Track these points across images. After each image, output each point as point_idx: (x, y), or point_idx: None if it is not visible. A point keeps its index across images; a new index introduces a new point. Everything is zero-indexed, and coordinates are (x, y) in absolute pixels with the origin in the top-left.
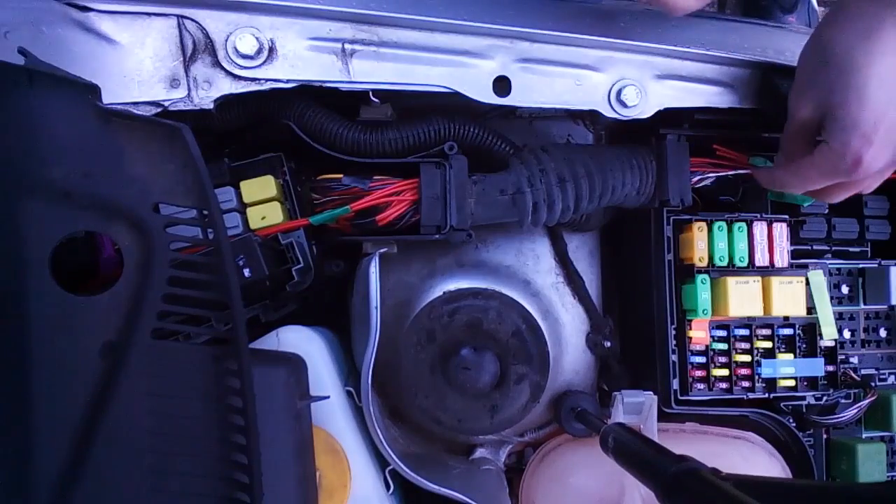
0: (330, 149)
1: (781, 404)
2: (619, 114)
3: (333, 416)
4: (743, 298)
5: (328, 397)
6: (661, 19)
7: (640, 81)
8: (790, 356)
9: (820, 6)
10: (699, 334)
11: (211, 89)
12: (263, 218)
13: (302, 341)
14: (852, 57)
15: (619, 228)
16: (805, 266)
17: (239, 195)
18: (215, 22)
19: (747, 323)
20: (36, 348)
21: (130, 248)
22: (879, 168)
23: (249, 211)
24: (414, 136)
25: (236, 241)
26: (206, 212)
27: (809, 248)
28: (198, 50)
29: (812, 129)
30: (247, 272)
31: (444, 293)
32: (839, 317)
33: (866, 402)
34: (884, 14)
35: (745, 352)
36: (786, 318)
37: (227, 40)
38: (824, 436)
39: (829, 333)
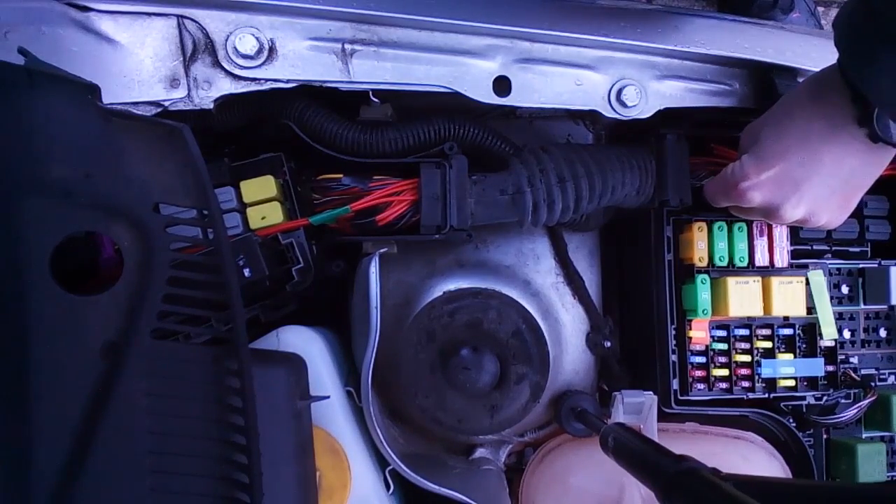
0: (330, 149)
1: (781, 404)
2: (619, 114)
3: (333, 416)
4: (743, 298)
5: (328, 397)
6: (661, 19)
7: (640, 81)
8: (790, 356)
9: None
10: (699, 334)
11: (211, 89)
12: (263, 218)
13: (302, 341)
14: (796, 111)
15: (618, 228)
16: (805, 266)
17: (239, 195)
18: (215, 22)
19: (747, 323)
20: (36, 348)
21: (130, 248)
22: (755, 203)
23: (249, 211)
24: (414, 136)
25: (236, 241)
26: (206, 212)
27: (809, 248)
28: (198, 50)
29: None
30: (247, 272)
31: (445, 293)
32: (839, 317)
33: (866, 402)
34: (844, 112)
35: (745, 352)
36: (786, 318)
37: (227, 40)
38: (824, 436)
39: (829, 333)
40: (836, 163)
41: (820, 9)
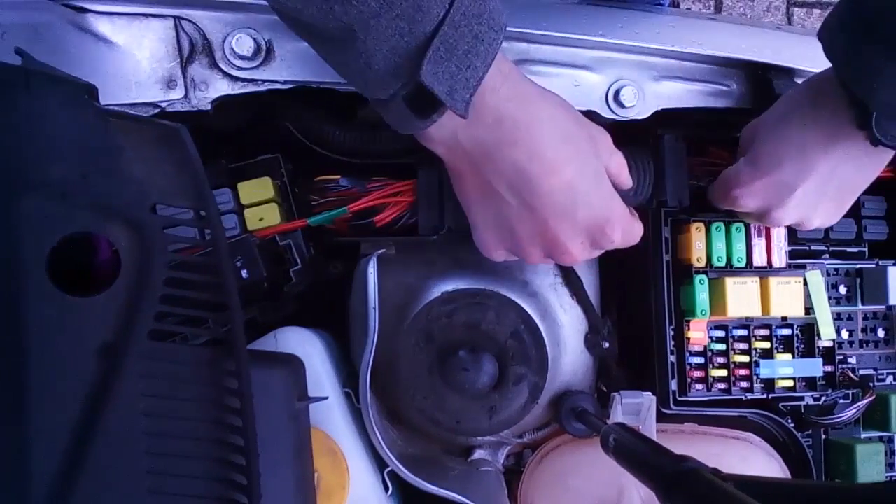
0: (327, 150)
1: (780, 405)
2: (617, 114)
3: (332, 418)
4: (741, 299)
5: (326, 398)
6: (659, 20)
7: (638, 82)
8: (788, 356)
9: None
10: (697, 335)
11: (208, 90)
12: (261, 219)
13: (300, 342)
14: (793, 117)
15: None
16: (803, 266)
17: (236, 196)
18: (213, 23)
19: (745, 323)
20: (33, 349)
21: (128, 248)
22: (747, 208)
23: (247, 212)
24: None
25: (234, 243)
26: (203, 213)
27: (807, 248)
28: (195, 51)
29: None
30: (244, 273)
31: (443, 294)
32: (837, 317)
33: (865, 402)
34: (833, 96)
35: (743, 352)
36: (784, 319)
37: (224, 41)
38: (823, 436)
39: (827, 334)
40: (831, 170)
41: (797, 10)
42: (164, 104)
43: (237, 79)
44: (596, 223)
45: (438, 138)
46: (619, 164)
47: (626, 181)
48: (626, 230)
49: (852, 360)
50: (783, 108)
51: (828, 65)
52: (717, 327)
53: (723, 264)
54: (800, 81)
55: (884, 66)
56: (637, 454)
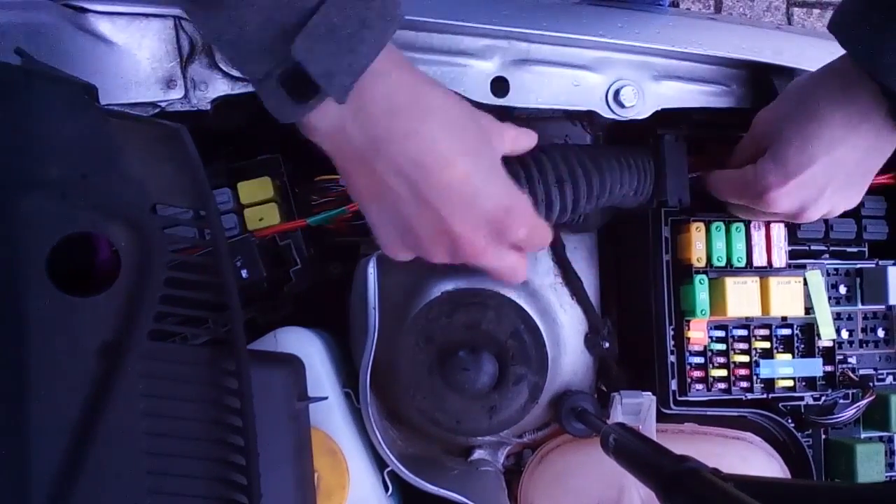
0: None
1: (780, 405)
2: (617, 114)
3: (332, 418)
4: (741, 299)
5: (326, 398)
6: (659, 20)
7: (638, 82)
8: (788, 356)
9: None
10: (697, 335)
11: (208, 90)
12: (261, 219)
13: (300, 342)
14: (818, 107)
15: (617, 229)
16: (803, 266)
17: (236, 196)
18: None
19: (745, 323)
20: (33, 349)
21: (128, 249)
22: (782, 210)
23: (247, 212)
24: None
25: (234, 243)
26: (203, 213)
27: (807, 248)
28: (195, 51)
29: (760, 147)
30: (244, 273)
31: (443, 293)
32: (837, 317)
33: (865, 402)
34: (862, 83)
35: (743, 352)
36: (784, 319)
37: None
38: (823, 436)
39: (827, 333)
40: (860, 161)
41: (797, 10)
42: (163, 104)
43: (237, 79)
44: (496, 215)
45: (324, 130)
46: (512, 143)
47: (526, 146)
48: (532, 226)
49: (852, 360)
50: (805, 101)
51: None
52: (717, 327)
53: (723, 264)
54: None
55: None
56: (637, 454)
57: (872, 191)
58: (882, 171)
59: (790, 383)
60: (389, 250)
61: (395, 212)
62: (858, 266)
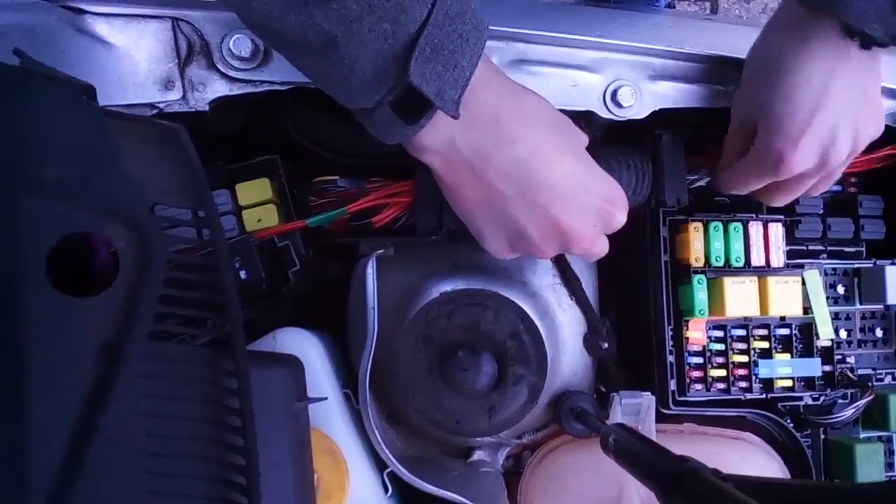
0: (326, 151)
1: (779, 404)
2: (615, 114)
3: (331, 418)
4: (739, 299)
5: (326, 399)
6: (656, 20)
7: (636, 82)
8: (787, 356)
9: None
10: (696, 335)
11: (206, 91)
12: (259, 220)
13: (299, 343)
14: (783, 60)
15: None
16: (801, 266)
17: (234, 198)
18: (210, 24)
19: (744, 323)
20: (32, 349)
21: (127, 249)
22: (807, 169)
23: (245, 213)
24: None
25: (233, 243)
26: (202, 213)
27: (805, 248)
28: (193, 52)
29: (749, 129)
30: (243, 274)
31: (442, 294)
32: (835, 317)
33: (863, 401)
34: (816, 22)
35: (742, 352)
36: (782, 318)
37: (222, 42)
38: (822, 436)
39: (825, 333)
40: (850, 85)
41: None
42: (162, 105)
43: (235, 80)
44: (602, 204)
45: (432, 146)
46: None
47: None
48: (625, 205)
49: (851, 360)
50: (769, 63)
51: None
52: (716, 327)
53: (721, 264)
54: None
55: None
56: (637, 454)
57: (870, 189)
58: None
59: (789, 383)
60: (500, 254)
61: (506, 217)
62: (856, 266)
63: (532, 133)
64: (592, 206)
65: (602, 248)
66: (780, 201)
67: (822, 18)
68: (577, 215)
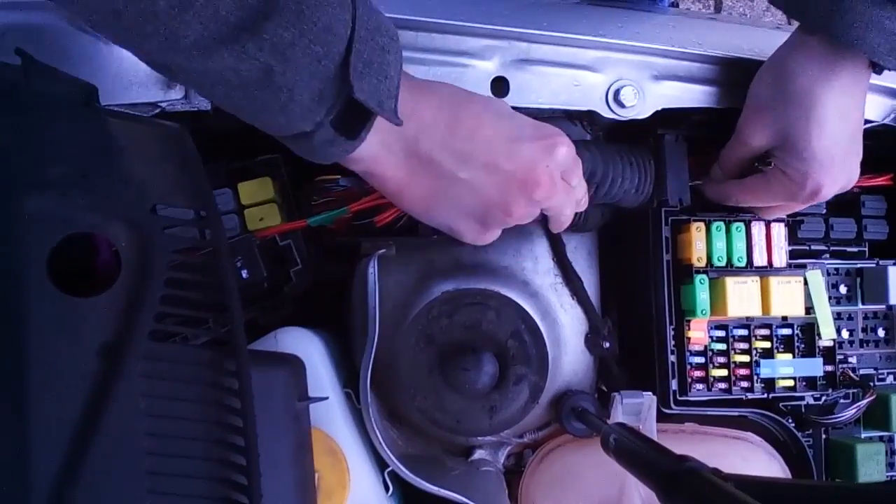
0: None
1: (780, 404)
2: (617, 114)
3: (332, 418)
4: (741, 298)
5: (327, 398)
6: (659, 20)
7: (638, 82)
8: (789, 356)
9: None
10: (698, 335)
11: None
12: (261, 219)
13: (300, 343)
14: (814, 92)
15: (617, 229)
16: (803, 266)
17: (236, 197)
18: None
19: (746, 323)
20: (33, 349)
21: (128, 249)
22: (833, 193)
23: (247, 212)
24: None
25: (234, 243)
26: (203, 213)
27: (807, 248)
28: None
29: (759, 150)
30: (245, 274)
31: (443, 294)
32: (837, 317)
33: (865, 401)
34: (842, 54)
35: (743, 352)
36: (784, 318)
37: None
38: (823, 436)
39: (827, 333)
40: (855, 106)
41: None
42: (164, 104)
43: None
44: (540, 141)
45: (368, 156)
46: None
47: None
48: (570, 145)
49: (853, 360)
50: (786, 91)
51: None
52: (718, 327)
53: (723, 264)
54: None
55: (873, 16)
56: (637, 454)
57: (872, 190)
58: (880, 172)
59: (791, 383)
60: (475, 238)
61: (460, 197)
62: (859, 266)
63: (447, 113)
64: (532, 146)
65: (568, 194)
66: (777, 215)
67: (852, 54)
68: (521, 157)
